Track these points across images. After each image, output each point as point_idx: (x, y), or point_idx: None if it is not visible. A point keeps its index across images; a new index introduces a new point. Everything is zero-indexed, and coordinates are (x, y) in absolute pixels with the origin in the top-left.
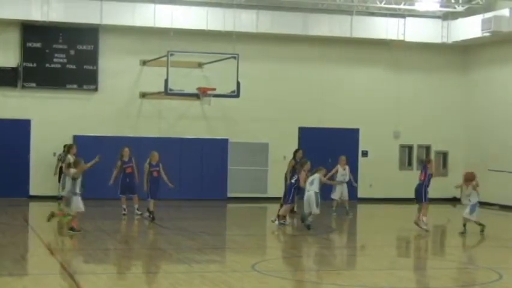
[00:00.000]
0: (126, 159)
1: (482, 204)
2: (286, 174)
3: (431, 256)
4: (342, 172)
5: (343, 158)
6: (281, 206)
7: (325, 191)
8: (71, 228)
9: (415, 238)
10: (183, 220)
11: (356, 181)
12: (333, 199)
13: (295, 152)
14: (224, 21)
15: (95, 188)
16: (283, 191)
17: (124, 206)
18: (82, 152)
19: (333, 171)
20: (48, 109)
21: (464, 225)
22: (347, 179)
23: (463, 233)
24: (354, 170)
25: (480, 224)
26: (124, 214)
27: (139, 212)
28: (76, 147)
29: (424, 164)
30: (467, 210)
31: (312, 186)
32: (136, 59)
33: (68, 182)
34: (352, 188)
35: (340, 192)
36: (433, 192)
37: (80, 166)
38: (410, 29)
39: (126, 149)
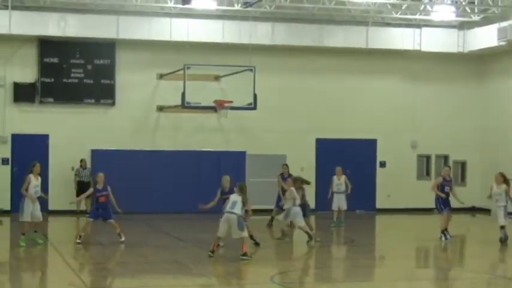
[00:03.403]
0: (100, 187)
1: None
2: (279, 191)
3: (450, 266)
4: (337, 182)
5: (339, 169)
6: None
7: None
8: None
9: (434, 248)
10: (201, 233)
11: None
12: (332, 210)
13: (283, 167)
14: (240, 33)
15: None
16: None
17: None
18: (100, 166)
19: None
20: (65, 124)
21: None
22: (342, 189)
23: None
24: (371, 181)
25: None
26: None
27: (122, 239)
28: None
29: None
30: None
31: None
32: (153, 72)
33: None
34: (368, 199)
35: (337, 203)
36: (452, 202)
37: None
38: (426, 39)
39: (101, 175)
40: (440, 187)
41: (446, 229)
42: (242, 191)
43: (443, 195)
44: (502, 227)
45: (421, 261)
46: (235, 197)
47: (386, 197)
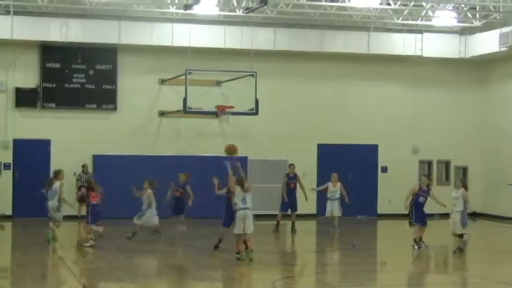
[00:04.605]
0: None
1: (501, 218)
2: (282, 192)
3: (451, 271)
4: (332, 189)
5: (334, 175)
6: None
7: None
8: None
9: (435, 254)
10: (202, 238)
11: (380, 198)
12: (325, 216)
13: (289, 167)
14: (242, 39)
15: (112, 207)
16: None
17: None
18: (102, 171)
19: (324, 187)
20: (67, 129)
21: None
22: (336, 196)
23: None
24: (373, 186)
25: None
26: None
27: (87, 244)
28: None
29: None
30: None
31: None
32: (155, 77)
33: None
34: (369, 204)
35: (330, 209)
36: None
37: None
38: (427, 45)
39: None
40: (416, 196)
41: (420, 239)
42: (243, 184)
43: (407, 209)
44: (460, 236)
45: (423, 266)
46: (243, 195)
47: (388, 202)
